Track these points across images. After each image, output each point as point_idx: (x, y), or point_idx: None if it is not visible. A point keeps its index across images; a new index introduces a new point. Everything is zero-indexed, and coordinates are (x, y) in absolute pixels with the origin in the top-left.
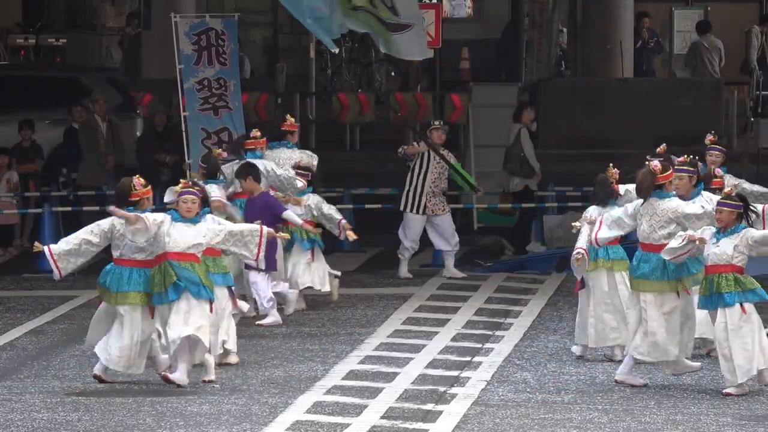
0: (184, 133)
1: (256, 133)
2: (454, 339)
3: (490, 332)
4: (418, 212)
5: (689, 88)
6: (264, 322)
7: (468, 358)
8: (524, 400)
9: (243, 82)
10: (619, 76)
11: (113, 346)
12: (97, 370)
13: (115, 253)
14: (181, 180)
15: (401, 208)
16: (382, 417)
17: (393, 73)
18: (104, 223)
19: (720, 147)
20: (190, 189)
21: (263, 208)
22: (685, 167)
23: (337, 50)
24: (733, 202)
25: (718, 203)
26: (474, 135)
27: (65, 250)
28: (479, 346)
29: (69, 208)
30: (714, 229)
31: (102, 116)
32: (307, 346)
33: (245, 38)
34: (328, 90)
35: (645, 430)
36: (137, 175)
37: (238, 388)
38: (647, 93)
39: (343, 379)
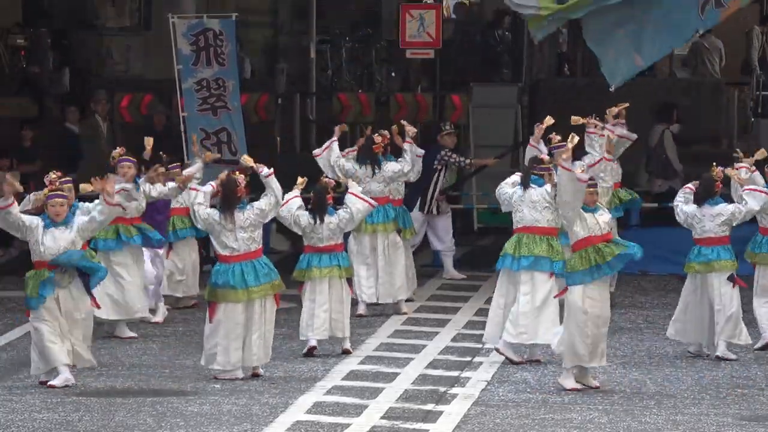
0: (183, 134)
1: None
2: (454, 339)
3: None
4: (438, 213)
5: (689, 88)
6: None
7: (468, 359)
8: (524, 401)
9: (243, 82)
10: None
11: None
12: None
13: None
14: (47, 184)
15: (434, 211)
16: (383, 417)
17: (393, 74)
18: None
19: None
20: (57, 192)
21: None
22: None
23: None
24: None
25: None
26: (474, 135)
27: None
28: (479, 346)
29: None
30: None
31: (103, 116)
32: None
33: (245, 38)
34: (329, 90)
35: (645, 431)
36: (234, 171)
37: (239, 389)
38: (647, 93)
39: (343, 379)
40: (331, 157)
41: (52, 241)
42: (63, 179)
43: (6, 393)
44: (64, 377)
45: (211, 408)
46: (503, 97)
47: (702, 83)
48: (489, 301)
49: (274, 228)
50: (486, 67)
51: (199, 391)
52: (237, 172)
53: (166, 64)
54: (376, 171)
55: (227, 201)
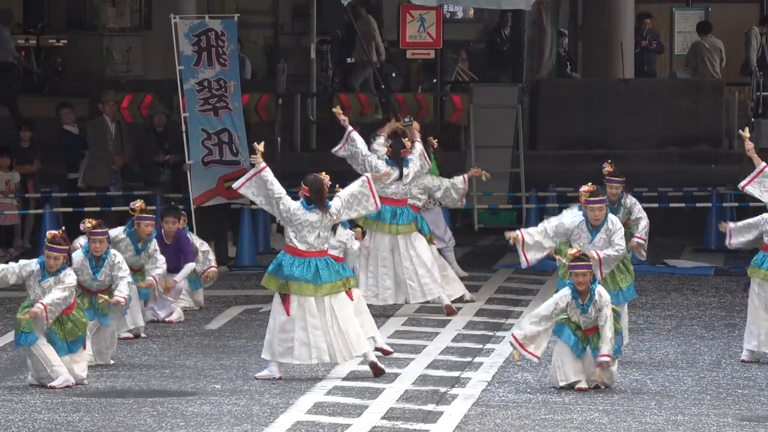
0: (184, 134)
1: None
2: (454, 339)
3: (490, 333)
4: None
5: (690, 88)
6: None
7: (469, 359)
8: (525, 401)
9: (244, 82)
10: (619, 76)
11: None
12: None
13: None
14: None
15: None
16: (383, 417)
17: (394, 74)
18: None
19: (619, 179)
20: (54, 246)
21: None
22: (599, 198)
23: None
24: (586, 262)
25: (573, 267)
26: (474, 136)
27: None
28: (480, 346)
29: (70, 209)
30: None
31: (111, 117)
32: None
33: (246, 39)
34: (329, 90)
35: (646, 431)
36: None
37: (239, 389)
38: (648, 93)
39: (343, 379)
40: (362, 149)
41: (42, 292)
42: (97, 230)
43: (6, 393)
44: (63, 378)
45: (211, 408)
46: (503, 97)
47: (702, 84)
48: (489, 301)
49: (275, 228)
50: (491, 67)
51: (200, 391)
52: (323, 173)
53: (166, 65)
54: (403, 174)
55: (318, 198)
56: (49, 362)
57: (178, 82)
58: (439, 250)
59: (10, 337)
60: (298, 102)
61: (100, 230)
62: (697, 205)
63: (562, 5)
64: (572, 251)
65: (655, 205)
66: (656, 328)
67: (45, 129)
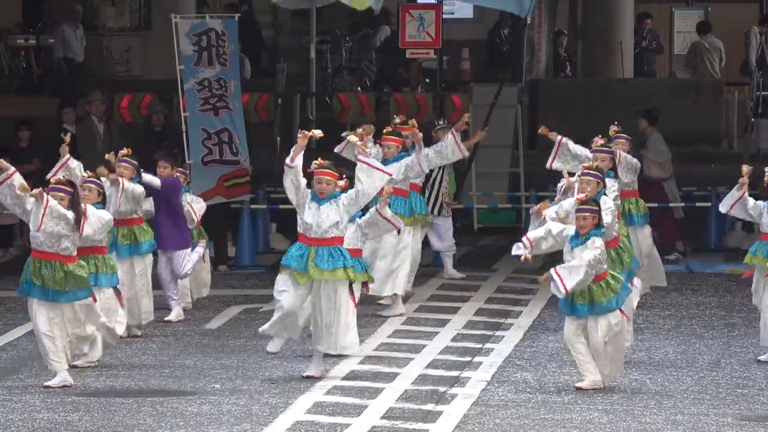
0: (184, 134)
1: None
2: (454, 339)
3: (490, 332)
4: (440, 214)
5: (689, 88)
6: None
7: (468, 359)
8: (524, 401)
9: (243, 82)
10: (619, 76)
11: None
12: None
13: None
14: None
15: (440, 211)
16: (383, 417)
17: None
18: None
19: (626, 136)
20: (59, 186)
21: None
22: (592, 172)
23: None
24: (592, 207)
25: (578, 210)
26: (474, 135)
27: None
28: (479, 346)
29: None
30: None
31: (99, 117)
32: (308, 347)
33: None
34: (329, 90)
35: (645, 431)
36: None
37: (239, 389)
38: (647, 93)
39: (343, 379)
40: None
41: None
42: (90, 180)
43: (6, 393)
44: (60, 378)
45: (210, 408)
46: (503, 97)
47: (702, 84)
48: (489, 300)
49: (274, 228)
50: (490, 67)
51: (199, 391)
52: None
53: (166, 64)
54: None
55: None
56: (47, 352)
57: (179, 82)
58: (438, 253)
59: (10, 337)
60: (297, 102)
61: (92, 181)
62: (697, 204)
63: (561, 5)
64: (580, 197)
65: (655, 204)
66: (656, 328)
67: (45, 129)
